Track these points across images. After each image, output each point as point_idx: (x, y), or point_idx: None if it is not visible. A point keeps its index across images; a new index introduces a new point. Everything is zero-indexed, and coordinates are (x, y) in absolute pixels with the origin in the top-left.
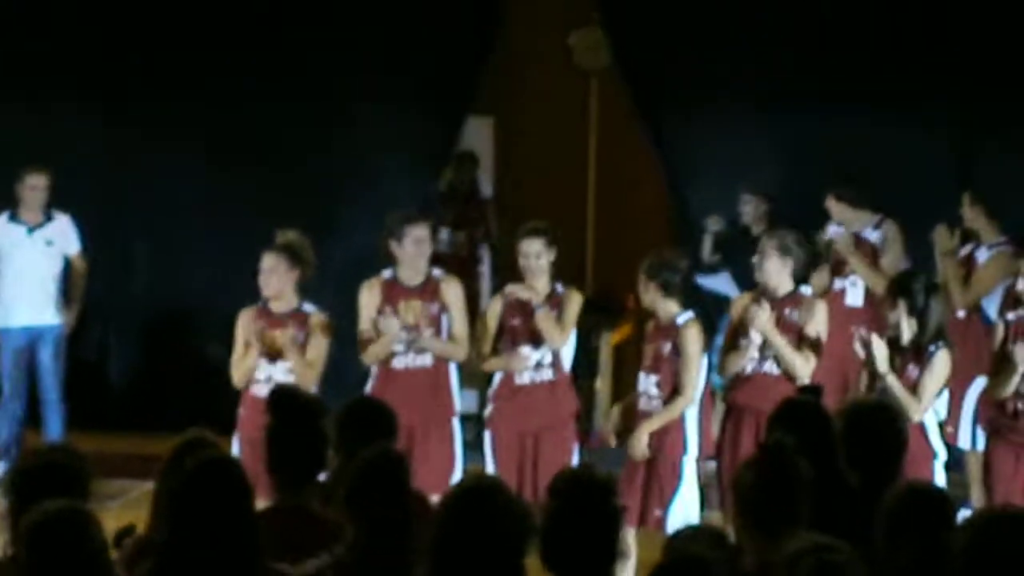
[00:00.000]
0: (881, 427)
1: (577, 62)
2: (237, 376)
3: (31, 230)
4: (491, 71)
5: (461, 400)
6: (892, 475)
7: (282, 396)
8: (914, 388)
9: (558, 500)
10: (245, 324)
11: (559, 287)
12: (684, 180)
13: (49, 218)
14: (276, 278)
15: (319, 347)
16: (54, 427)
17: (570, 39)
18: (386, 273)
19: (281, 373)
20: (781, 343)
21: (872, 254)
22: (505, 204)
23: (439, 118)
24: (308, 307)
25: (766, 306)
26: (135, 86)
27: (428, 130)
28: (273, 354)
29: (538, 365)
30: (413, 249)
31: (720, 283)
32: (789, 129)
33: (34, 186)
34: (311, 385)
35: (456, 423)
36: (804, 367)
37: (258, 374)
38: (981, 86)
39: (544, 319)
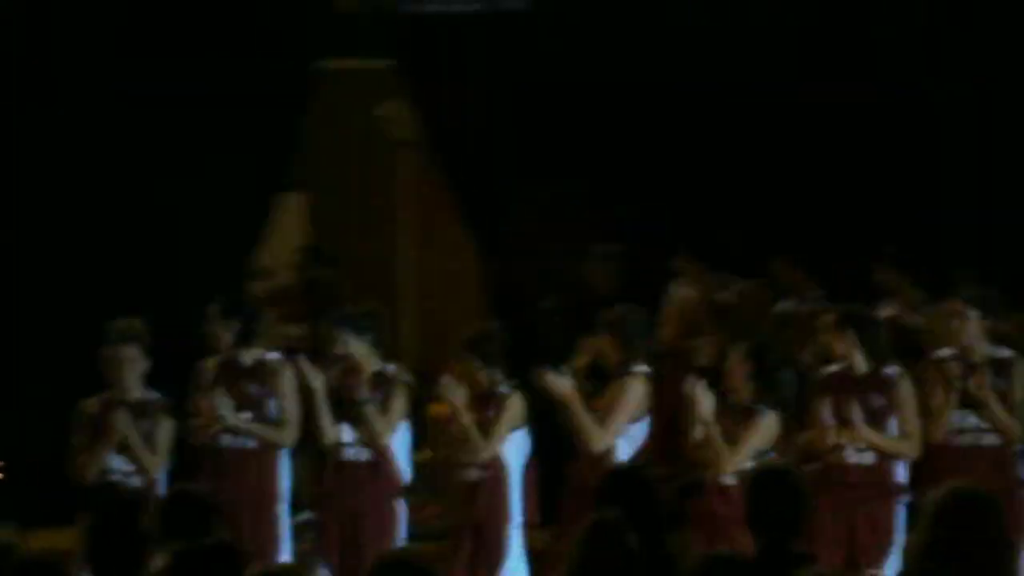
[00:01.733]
0: (780, 491)
1: (386, 133)
2: (84, 470)
3: None
4: (300, 144)
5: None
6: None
7: (100, 494)
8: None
9: None
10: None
11: (389, 367)
12: (496, 249)
13: None
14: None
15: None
16: None
17: (377, 111)
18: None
19: (121, 463)
20: None
21: None
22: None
23: (251, 195)
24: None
25: None
26: None
27: (241, 209)
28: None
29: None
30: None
31: None
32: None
33: None
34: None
35: (282, 507)
36: None
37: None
38: None
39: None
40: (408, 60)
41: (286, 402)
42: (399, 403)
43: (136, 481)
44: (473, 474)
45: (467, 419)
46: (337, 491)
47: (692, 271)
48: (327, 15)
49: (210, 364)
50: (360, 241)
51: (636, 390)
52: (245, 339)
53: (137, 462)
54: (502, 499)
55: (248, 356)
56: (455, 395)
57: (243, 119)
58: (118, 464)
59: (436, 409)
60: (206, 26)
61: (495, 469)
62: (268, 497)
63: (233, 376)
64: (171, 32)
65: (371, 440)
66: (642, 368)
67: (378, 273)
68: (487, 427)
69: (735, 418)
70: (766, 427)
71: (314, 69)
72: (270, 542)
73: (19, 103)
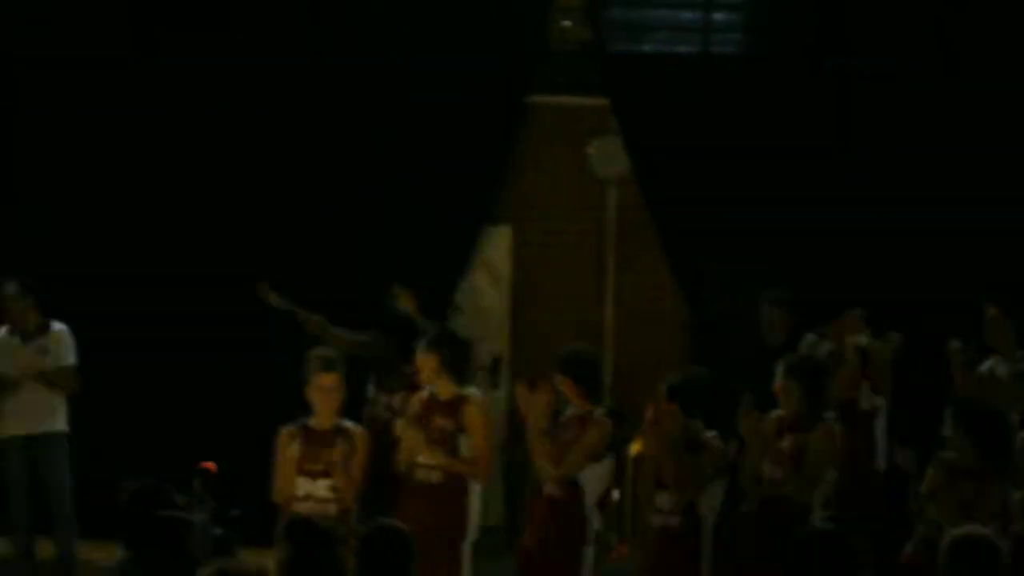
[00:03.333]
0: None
1: (595, 170)
2: (281, 494)
3: (25, 340)
4: (509, 178)
5: None
6: None
7: (300, 527)
8: None
9: None
10: (285, 442)
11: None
12: (701, 291)
13: (46, 328)
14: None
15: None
16: (62, 538)
17: (588, 148)
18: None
19: (322, 490)
20: None
21: None
22: (521, 312)
23: (457, 228)
24: (349, 424)
25: None
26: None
27: (447, 240)
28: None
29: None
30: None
31: None
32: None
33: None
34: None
35: (465, 544)
36: None
37: (298, 491)
38: None
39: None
40: (620, 98)
41: (478, 438)
42: (595, 441)
43: (332, 508)
44: (671, 520)
45: (670, 467)
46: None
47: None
48: (542, 51)
49: (415, 398)
50: (565, 277)
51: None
52: (452, 374)
53: (334, 489)
54: (695, 548)
55: (445, 390)
56: (659, 444)
57: (455, 151)
58: (315, 490)
59: (635, 449)
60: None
61: (691, 518)
62: (456, 532)
63: (430, 410)
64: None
65: (561, 478)
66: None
67: (582, 310)
68: (688, 479)
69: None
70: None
71: (527, 104)
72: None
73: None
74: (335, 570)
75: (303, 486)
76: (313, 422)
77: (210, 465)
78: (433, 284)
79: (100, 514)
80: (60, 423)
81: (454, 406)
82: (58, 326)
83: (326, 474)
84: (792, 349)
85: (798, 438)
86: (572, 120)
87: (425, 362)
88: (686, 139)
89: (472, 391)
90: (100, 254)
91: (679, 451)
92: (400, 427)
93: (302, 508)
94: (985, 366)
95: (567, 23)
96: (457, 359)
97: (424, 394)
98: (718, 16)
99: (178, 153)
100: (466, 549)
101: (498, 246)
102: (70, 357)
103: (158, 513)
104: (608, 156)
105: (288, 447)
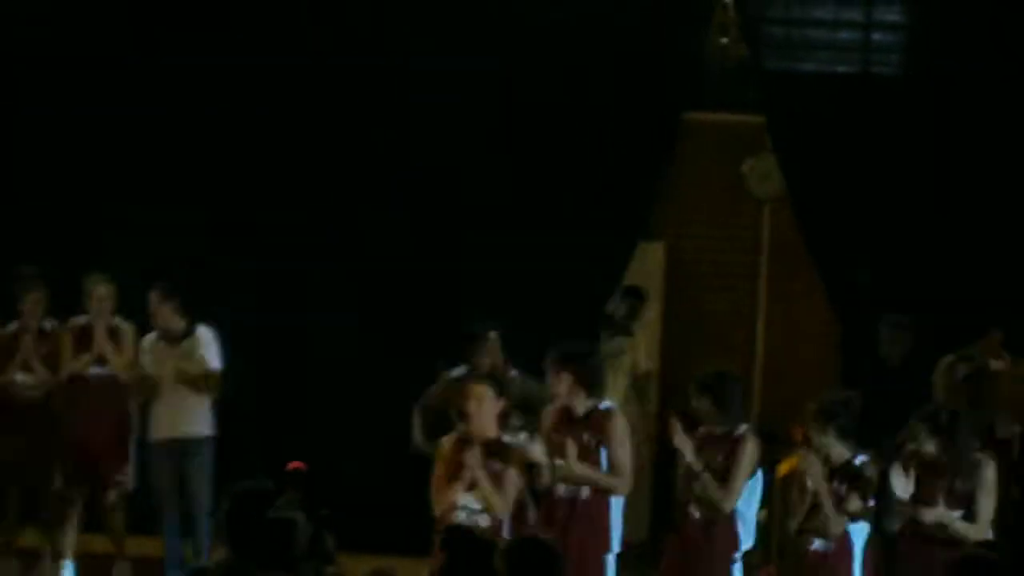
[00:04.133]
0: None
1: (750, 189)
2: (437, 505)
3: (174, 343)
4: (663, 195)
5: None
6: None
7: (457, 537)
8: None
9: None
10: (446, 452)
11: (741, 428)
12: (854, 311)
13: (191, 331)
14: (478, 407)
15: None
16: (202, 538)
17: (743, 166)
18: (559, 402)
19: (474, 502)
20: None
21: None
22: (672, 329)
23: (610, 242)
24: (506, 437)
25: None
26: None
27: (599, 254)
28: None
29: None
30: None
31: None
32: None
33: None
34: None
35: (610, 557)
36: None
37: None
38: None
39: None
40: (777, 116)
41: (620, 451)
42: (752, 462)
43: (483, 520)
44: (821, 546)
45: (824, 491)
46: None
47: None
48: (700, 68)
49: (548, 412)
50: (717, 295)
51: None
52: (586, 388)
53: (485, 501)
54: (850, 573)
55: (581, 405)
56: (813, 468)
57: (611, 166)
58: (467, 501)
59: (784, 469)
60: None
61: (844, 544)
62: (600, 545)
63: (569, 424)
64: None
65: (713, 504)
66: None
67: (734, 328)
68: (840, 503)
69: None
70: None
71: (684, 121)
72: None
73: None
74: None
75: (456, 496)
76: (468, 433)
77: (300, 464)
78: (587, 299)
79: None
80: (204, 427)
81: (594, 419)
82: (203, 329)
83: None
84: (910, 370)
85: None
86: (728, 137)
87: (559, 380)
88: (842, 159)
89: (609, 403)
90: (104, 251)
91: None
92: (539, 447)
93: (454, 519)
94: None
95: (725, 40)
96: (589, 373)
97: (557, 409)
98: (877, 36)
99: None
100: (611, 562)
101: (651, 262)
102: (215, 360)
103: (263, 515)
104: (763, 174)
105: (446, 457)
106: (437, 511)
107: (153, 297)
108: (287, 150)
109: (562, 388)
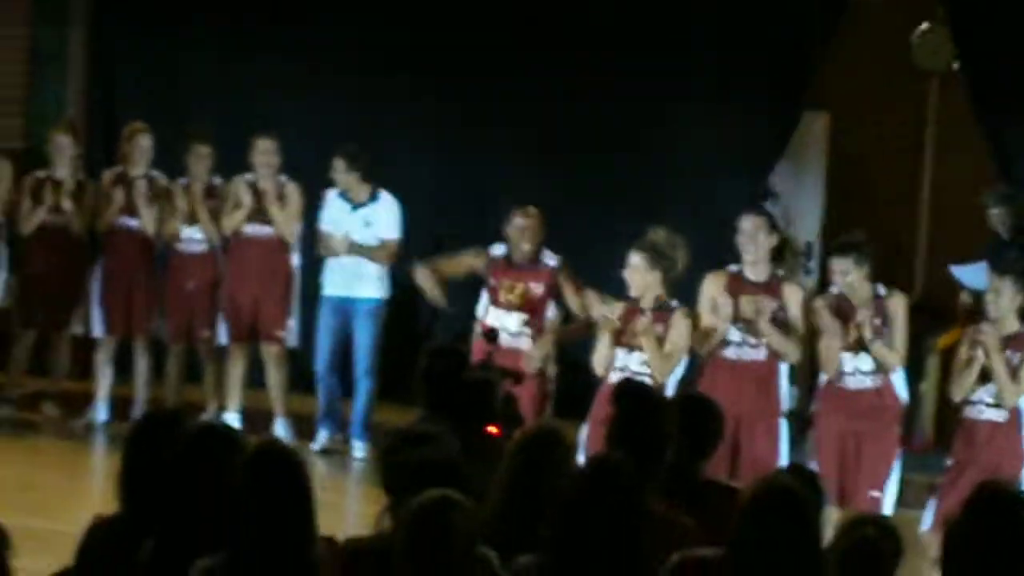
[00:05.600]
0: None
1: (918, 61)
2: (598, 364)
3: (355, 207)
4: (828, 65)
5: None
6: None
7: (628, 389)
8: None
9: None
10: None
11: (881, 290)
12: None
13: (374, 198)
14: (638, 276)
15: (680, 335)
16: (360, 399)
17: (912, 37)
18: (732, 267)
19: (636, 364)
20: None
21: None
22: (835, 201)
23: (772, 114)
24: (674, 303)
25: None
26: (461, 83)
27: (762, 126)
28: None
29: (860, 372)
30: (748, 242)
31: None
32: None
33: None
34: (661, 377)
35: (783, 420)
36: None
37: (616, 363)
38: None
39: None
40: None
41: (794, 318)
42: (901, 330)
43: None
44: (992, 417)
45: (999, 362)
46: (838, 413)
47: None
48: None
49: (717, 277)
50: (882, 169)
51: None
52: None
53: (649, 365)
54: (1018, 445)
55: (754, 272)
56: (990, 337)
57: (776, 34)
58: (628, 361)
59: (944, 342)
60: None
61: (1015, 416)
62: (771, 409)
63: (742, 289)
64: None
65: (881, 368)
66: None
67: (897, 200)
68: (1015, 370)
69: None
70: None
71: None
72: (772, 454)
73: None
74: (659, 433)
75: (620, 359)
76: (632, 303)
77: (489, 326)
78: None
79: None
80: (373, 290)
81: (773, 286)
82: (386, 198)
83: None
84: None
85: None
86: (898, 7)
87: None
88: (1016, 32)
89: (782, 271)
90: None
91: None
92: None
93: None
94: None
95: None
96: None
97: (731, 273)
98: None
99: None
100: (783, 424)
101: (815, 132)
102: (392, 231)
103: (463, 375)
104: (934, 47)
105: (615, 324)
106: (599, 370)
107: (338, 164)
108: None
109: (763, 248)
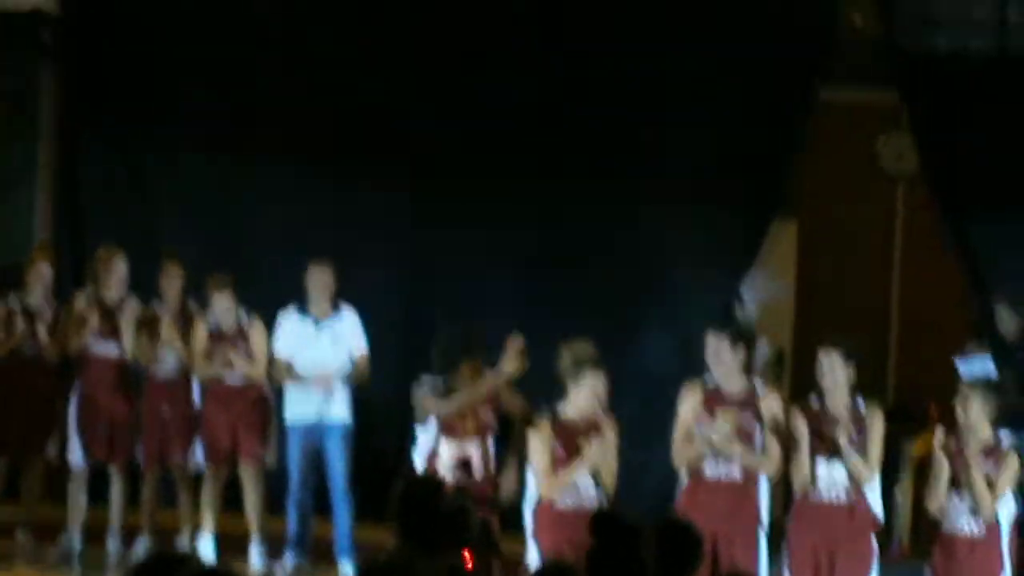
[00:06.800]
0: None
1: (885, 167)
2: (545, 488)
3: (319, 323)
4: (797, 173)
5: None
6: None
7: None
8: None
9: None
10: (544, 438)
11: (860, 403)
12: (989, 287)
13: (337, 311)
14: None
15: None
16: (342, 519)
17: (878, 144)
18: (708, 380)
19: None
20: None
21: None
22: (804, 308)
23: (744, 220)
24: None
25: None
26: (439, 180)
27: (733, 232)
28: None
29: (834, 485)
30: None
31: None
32: None
33: (316, 280)
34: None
35: (762, 534)
36: None
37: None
38: None
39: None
40: (912, 94)
41: (771, 431)
42: (876, 445)
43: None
44: (969, 531)
45: (978, 475)
46: (811, 527)
47: None
48: (833, 45)
49: (693, 391)
50: (851, 273)
51: None
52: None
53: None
54: (997, 559)
55: (729, 384)
56: (968, 447)
57: (744, 143)
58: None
59: (919, 448)
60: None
61: (993, 528)
62: (750, 524)
63: (718, 402)
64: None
65: (854, 481)
66: None
67: (868, 306)
68: (991, 481)
69: None
70: None
71: (818, 99)
72: (752, 566)
73: None
74: (637, 564)
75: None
76: (566, 414)
77: (466, 456)
78: (723, 277)
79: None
80: (341, 412)
81: (748, 399)
82: (348, 311)
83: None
84: None
85: None
86: (862, 115)
87: (726, 354)
88: (978, 137)
89: (762, 384)
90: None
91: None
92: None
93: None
94: None
95: (858, 16)
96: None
97: (709, 385)
98: (1012, 12)
99: None
100: (763, 539)
101: (784, 240)
102: (362, 345)
103: (439, 505)
104: (898, 152)
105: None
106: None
107: (321, 274)
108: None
109: (727, 363)
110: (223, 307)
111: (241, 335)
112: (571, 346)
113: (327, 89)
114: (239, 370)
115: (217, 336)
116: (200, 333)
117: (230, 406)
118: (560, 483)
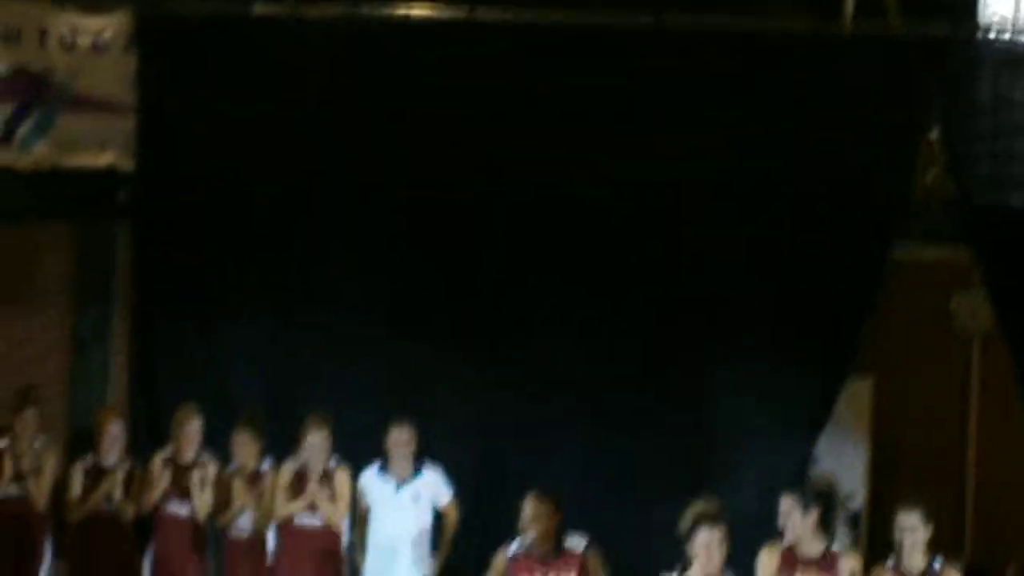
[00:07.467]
0: None
1: (959, 325)
2: None
3: (399, 486)
4: (871, 331)
5: None
6: None
7: None
8: None
9: None
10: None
11: (936, 564)
12: None
13: (418, 472)
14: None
15: None
16: None
17: (952, 302)
18: (785, 542)
19: None
20: None
21: None
22: (879, 468)
23: (818, 379)
24: None
25: None
26: (509, 340)
27: (806, 392)
28: None
29: None
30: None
31: None
32: None
33: (398, 441)
34: None
35: None
36: None
37: None
38: None
39: None
40: (985, 252)
41: None
42: None
43: None
44: None
45: None
46: None
47: None
48: (908, 204)
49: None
50: (927, 435)
51: None
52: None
53: None
54: None
55: (806, 546)
56: None
57: (818, 302)
58: None
59: None
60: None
61: None
62: None
63: (796, 565)
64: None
65: None
66: None
67: (944, 467)
68: None
69: None
70: None
71: (891, 257)
72: None
73: None
74: None
75: None
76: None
77: None
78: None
79: None
80: (415, 569)
81: (828, 562)
82: (430, 471)
83: None
84: None
85: None
86: (936, 274)
87: (803, 518)
88: None
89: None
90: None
91: None
92: None
93: None
94: None
95: (932, 176)
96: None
97: (784, 547)
98: None
99: None
100: None
101: (860, 398)
102: (446, 495)
103: None
104: (973, 311)
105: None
106: None
107: (402, 434)
108: None
109: (806, 526)
110: (317, 444)
111: (327, 478)
112: (695, 504)
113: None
114: (322, 512)
115: (302, 476)
116: (285, 471)
117: (305, 563)
118: None
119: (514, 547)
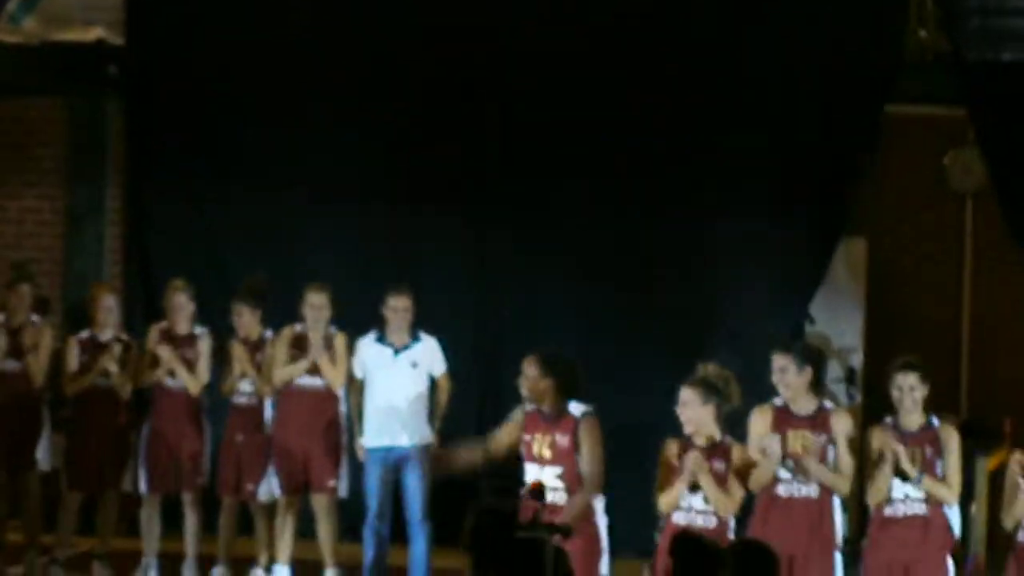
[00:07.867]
0: None
1: (952, 183)
2: (663, 504)
3: (397, 352)
4: (865, 190)
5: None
6: None
7: (684, 543)
8: None
9: None
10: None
11: (934, 421)
12: None
13: (416, 339)
14: (690, 411)
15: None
16: (419, 547)
17: (945, 160)
18: (777, 400)
19: (699, 503)
20: None
21: None
22: (875, 326)
23: (815, 237)
24: (728, 439)
25: None
26: (507, 204)
27: (800, 252)
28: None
29: (911, 499)
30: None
31: None
32: None
33: (396, 308)
34: (725, 513)
35: (837, 555)
36: None
37: (681, 502)
38: None
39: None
40: (978, 109)
41: (844, 450)
42: (954, 463)
43: (710, 520)
44: None
45: None
46: (887, 545)
47: None
48: (899, 62)
49: (763, 412)
50: (921, 292)
51: None
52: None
53: (710, 501)
54: None
55: (798, 405)
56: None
57: (811, 161)
58: (692, 502)
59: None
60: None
61: None
62: (826, 545)
63: (789, 423)
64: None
65: (930, 498)
66: None
67: (938, 323)
68: None
69: None
70: None
71: (884, 115)
72: None
73: None
74: None
75: (685, 498)
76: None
77: (537, 483)
78: (790, 296)
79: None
80: (418, 435)
81: (821, 418)
82: (427, 337)
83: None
84: None
85: None
86: (929, 131)
87: (796, 374)
88: None
89: (830, 402)
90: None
91: None
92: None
93: (677, 518)
94: None
95: (924, 33)
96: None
97: (776, 406)
98: None
99: None
100: (838, 560)
101: (853, 257)
102: (441, 366)
103: (510, 534)
104: (965, 168)
105: (669, 460)
106: (664, 510)
107: (401, 300)
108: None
109: (793, 383)
110: (317, 306)
111: (327, 342)
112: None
113: (386, 118)
114: (323, 374)
115: (302, 340)
116: (284, 336)
117: (304, 428)
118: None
119: (531, 405)
